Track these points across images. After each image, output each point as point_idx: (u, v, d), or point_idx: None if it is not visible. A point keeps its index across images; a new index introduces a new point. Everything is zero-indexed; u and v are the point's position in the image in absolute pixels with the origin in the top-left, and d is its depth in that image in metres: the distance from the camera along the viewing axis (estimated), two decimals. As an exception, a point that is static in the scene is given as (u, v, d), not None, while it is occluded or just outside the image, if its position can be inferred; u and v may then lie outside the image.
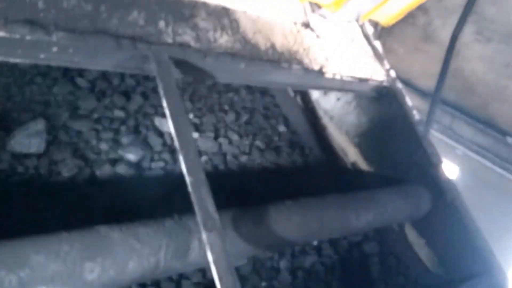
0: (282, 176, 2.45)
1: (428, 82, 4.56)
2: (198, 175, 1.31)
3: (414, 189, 2.19)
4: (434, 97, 4.13)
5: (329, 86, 2.17)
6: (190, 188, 1.28)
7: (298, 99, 2.89)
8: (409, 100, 2.40)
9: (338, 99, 2.66)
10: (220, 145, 2.34)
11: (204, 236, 1.21)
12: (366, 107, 2.49)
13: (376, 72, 2.32)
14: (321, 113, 2.78)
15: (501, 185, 4.87)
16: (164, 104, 1.39)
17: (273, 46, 1.84)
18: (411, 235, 2.39)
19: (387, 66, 2.41)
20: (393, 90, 2.33)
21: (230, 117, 2.53)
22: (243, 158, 2.38)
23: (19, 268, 1.04)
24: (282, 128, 2.73)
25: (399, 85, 2.39)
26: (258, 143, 2.52)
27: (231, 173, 2.27)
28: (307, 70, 1.94)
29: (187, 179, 1.28)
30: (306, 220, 1.67)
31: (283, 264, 2.03)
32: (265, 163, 2.46)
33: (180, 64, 1.54)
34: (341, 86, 2.18)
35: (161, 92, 1.39)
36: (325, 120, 2.76)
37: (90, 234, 1.19)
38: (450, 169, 5.09)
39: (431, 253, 2.34)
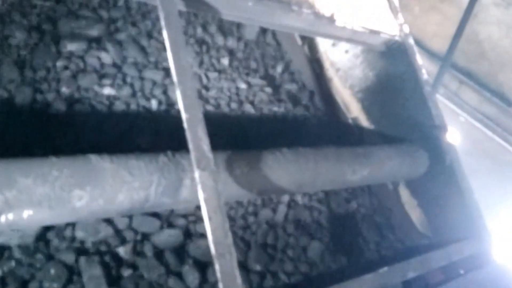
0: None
1: (440, 44, 4.43)
2: (195, 112, 1.27)
3: (413, 149, 2.16)
4: (445, 59, 4.04)
5: (338, 35, 2.08)
6: (185, 125, 1.24)
7: (306, 48, 2.80)
8: (419, 59, 2.31)
9: (346, 51, 2.57)
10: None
11: (196, 174, 1.19)
12: (374, 61, 2.41)
13: (389, 26, 2.22)
14: (327, 64, 2.70)
15: (499, 155, 4.86)
16: (165, 35, 1.32)
17: (284, -14, 1.74)
18: (404, 194, 2.39)
19: (401, 20, 2.30)
20: (404, 46, 2.24)
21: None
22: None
23: (6, 189, 1.03)
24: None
25: (411, 41, 2.29)
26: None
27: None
28: (317, 15, 1.85)
29: (183, 115, 1.25)
30: (301, 169, 1.65)
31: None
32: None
33: (184, -5, 1.46)
34: (351, 37, 2.09)
35: (162, 22, 1.32)
36: (331, 72, 2.68)
37: (80, 162, 1.17)
38: (451, 135, 5.07)
39: (422, 214, 2.35)
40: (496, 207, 4.99)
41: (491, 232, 2.12)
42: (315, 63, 2.76)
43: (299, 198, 2.17)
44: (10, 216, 1.05)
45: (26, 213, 1.06)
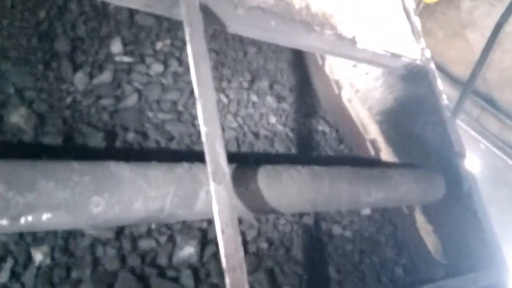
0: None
1: (463, 70, 4.40)
2: (214, 126, 1.29)
3: (430, 174, 2.14)
4: (467, 85, 4.01)
5: (359, 57, 2.09)
6: (204, 139, 1.26)
7: (326, 68, 2.82)
8: (440, 84, 2.31)
9: (367, 73, 2.58)
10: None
11: (212, 187, 1.21)
12: (393, 84, 2.42)
13: (411, 50, 2.23)
14: (347, 85, 2.71)
15: (519, 185, 4.76)
16: (189, 50, 1.35)
17: (307, 7, 1.77)
18: (420, 219, 2.36)
19: (423, 45, 2.30)
20: (425, 70, 2.24)
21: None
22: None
23: (27, 191, 1.06)
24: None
25: (432, 66, 2.29)
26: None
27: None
28: (339, 36, 1.87)
29: (202, 129, 1.27)
30: (316, 188, 1.65)
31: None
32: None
33: (210, 12, 1.50)
34: (372, 59, 2.10)
35: (187, 37, 1.36)
36: (350, 92, 2.69)
37: (100, 169, 1.19)
38: (471, 162, 4.98)
39: (437, 241, 2.31)
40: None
41: (508, 263, 2.07)
42: (335, 83, 2.77)
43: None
44: (30, 218, 1.08)
45: (45, 216, 1.09)
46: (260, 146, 2.22)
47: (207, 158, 1.26)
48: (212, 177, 1.23)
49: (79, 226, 1.19)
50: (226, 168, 1.26)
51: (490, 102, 4.55)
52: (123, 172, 1.22)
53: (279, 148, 2.29)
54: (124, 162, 1.26)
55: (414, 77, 2.30)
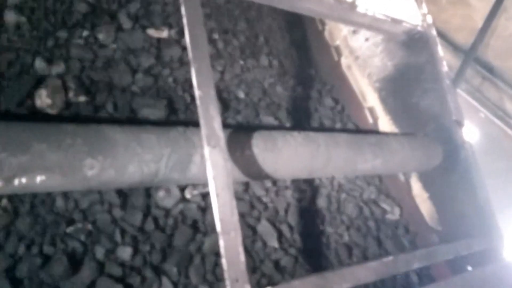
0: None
1: (466, 38, 4.31)
2: (208, 90, 1.27)
3: (427, 141, 2.14)
4: (469, 53, 3.94)
5: (359, 22, 2.05)
6: (198, 102, 1.25)
7: (326, 34, 2.77)
8: (441, 50, 2.27)
9: (367, 39, 2.54)
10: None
11: (206, 151, 1.20)
12: (394, 51, 2.37)
13: (412, 15, 2.18)
14: (346, 52, 2.67)
15: (517, 155, 4.76)
16: (183, 12, 1.32)
17: (307, -31, 1.72)
18: (416, 187, 2.37)
19: (425, 10, 2.25)
20: (426, 36, 2.19)
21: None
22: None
23: (21, 153, 1.05)
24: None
25: (434, 32, 2.25)
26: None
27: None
28: (339, 0, 1.82)
29: (196, 93, 1.25)
30: (311, 154, 1.65)
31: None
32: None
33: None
34: (372, 24, 2.05)
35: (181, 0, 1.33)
36: (349, 59, 2.65)
37: (93, 132, 1.18)
38: (470, 132, 4.95)
39: (432, 208, 2.33)
40: (509, 208, 4.90)
41: (502, 230, 2.10)
42: (334, 49, 2.73)
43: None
44: (23, 179, 1.08)
45: (39, 178, 1.09)
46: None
47: (201, 121, 1.25)
48: (207, 140, 1.23)
49: (73, 188, 1.19)
50: (220, 132, 1.25)
51: (492, 71, 4.48)
52: (117, 135, 1.21)
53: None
54: (118, 125, 1.25)
55: (414, 43, 2.26)
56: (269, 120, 2.22)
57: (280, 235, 1.91)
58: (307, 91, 2.58)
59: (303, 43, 2.86)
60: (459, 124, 2.17)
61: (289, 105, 2.40)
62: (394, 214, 2.41)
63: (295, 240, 1.94)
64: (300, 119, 2.41)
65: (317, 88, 2.65)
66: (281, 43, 2.72)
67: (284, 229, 1.94)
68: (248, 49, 2.47)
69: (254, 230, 1.86)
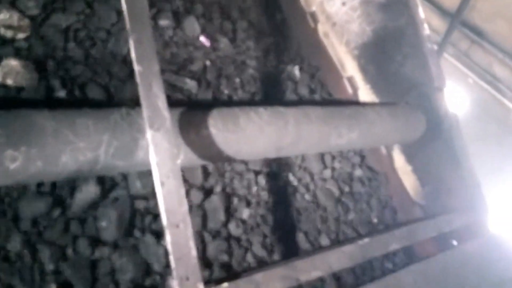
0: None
1: (452, 1, 4.12)
2: (150, 64, 1.12)
3: (409, 111, 2.00)
4: (455, 15, 3.77)
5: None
6: (138, 79, 1.10)
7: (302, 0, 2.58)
8: (422, 12, 2.10)
9: (344, 3, 2.36)
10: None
11: (148, 135, 1.06)
12: (372, 14, 2.20)
13: (390, -26, 2.01)
14: (323, 18, 2.49)
15: (507, 120, 4.65)
16: (119, -26, 1.15)
17: None
18: (399, 160, 2.25)
19: (405, -32, 2.07)
20: (405, -2, 2.02)
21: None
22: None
23: None
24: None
25: (413, -8, 2.07)
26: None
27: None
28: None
29: (136, 68, 1.10)
30: (279, 130, 1.50)
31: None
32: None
33: None
34: (345, -15, 1.88)
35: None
36: (326, 26, 2.47)
37: (15, 119, 1.03)
38: (458, 97, 4.83)
39: (416, 181, 2.22)
40: (501, 172, 4.84)
41: (488, 202, 1.99)
42: (311, 16, 2.55)
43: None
44: None
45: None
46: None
47: (142, 101, 1.10)
48: (149, 123, 1.08)
49: (-3, 183, 1.05)
50: (165, 112, 1.11)
51: (480, 34, 4.32)
52: (45, 121, 1.06)
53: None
54: (48, 110, 1.10)
55: (393, 5, 2.09)
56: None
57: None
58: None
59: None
60: (442, 91, 2.04)
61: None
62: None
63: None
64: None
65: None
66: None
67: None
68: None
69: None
